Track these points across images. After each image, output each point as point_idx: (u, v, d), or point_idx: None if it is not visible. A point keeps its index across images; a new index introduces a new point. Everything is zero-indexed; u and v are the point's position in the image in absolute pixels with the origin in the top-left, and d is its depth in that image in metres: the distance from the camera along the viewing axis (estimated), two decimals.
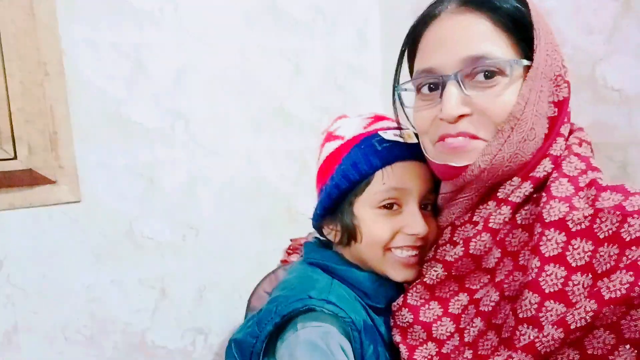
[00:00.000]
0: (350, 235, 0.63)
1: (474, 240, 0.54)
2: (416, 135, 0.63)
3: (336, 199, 0.64)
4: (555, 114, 0.54)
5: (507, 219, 0.53)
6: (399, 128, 0.64)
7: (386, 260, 0.63)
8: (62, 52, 1.14)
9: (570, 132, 0.57)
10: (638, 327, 0.42)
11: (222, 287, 1.38)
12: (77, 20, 1.16)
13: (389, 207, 0.62)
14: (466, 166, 0.54)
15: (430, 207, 0.66)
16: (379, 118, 0.68)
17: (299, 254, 1.41)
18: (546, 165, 0.54)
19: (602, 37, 0.94)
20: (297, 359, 0.54)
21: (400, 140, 0.62)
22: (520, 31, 0.53)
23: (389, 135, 0.63)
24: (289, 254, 1.44)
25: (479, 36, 0.53)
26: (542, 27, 0.53)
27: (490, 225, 0.54)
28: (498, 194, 0.55)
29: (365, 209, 0.63)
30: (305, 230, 1.54)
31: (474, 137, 0.54)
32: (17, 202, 1.11)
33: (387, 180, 0.61)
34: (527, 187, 0.53)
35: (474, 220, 0.57)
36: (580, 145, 0.56)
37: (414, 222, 0.61)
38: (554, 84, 0.54)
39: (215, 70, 1.35)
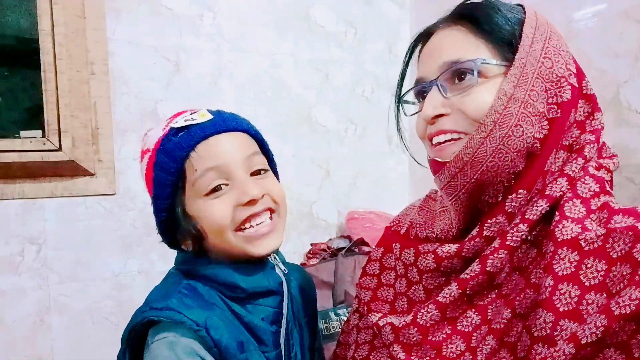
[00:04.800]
0: (197, 237, 0.61)
1: (491, 257, 0.54)
2: None
3: (165, 210, 0.61)
4: (558, 114, 0.54)
5: (524, 237, 0.53)
6: (193, 113, 0.62)
7: (240, 240, 0.60)
8: (108, 53, 1.22)
9: (604, 157, 0.57)
10: None
11: None
12: (123, 24, 1.25)
13: (217, 189, 0.59)
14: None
15: (266, 171, 0.63)
16: (176, 115, 0.64)
17: (318, 258, 1.45)
18: (562, 184, 0.54)
19: (627, 60, 0.95)
20: None
21: (194, 122, 0.59)
22: (510, 41, 0.56)
23: (181, 122, 0.59)
24: (308, 257, 1.48)
25: (456, 43, 0.57)
26: (541, 31, 0.55)
27: (508, 242, 0.53)
28: (506, 207, 0.55)
29: (196, 203, 0.59)
30: (326, 235, 1.58)
31: (454, 132, 0.57)
32: (58, 191, 1.19)
33: (198, 165, 0.58)
34: (543, 206, 0.53)
35: (484, 234, 0.56)
36: (598, 169, 0.55)
37: (244, 189, 0.58)
38: (556, 85, 0.55)
39: (247, 76, 1.41)
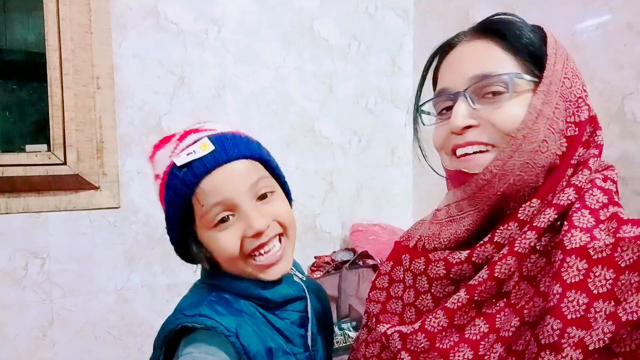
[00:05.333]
0: (211, 261, 0.64)
1: (499, 263, 0.54)
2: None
3: (179, 238, 0.64)
4: (576, 133, 0.56)
5: (532, 244, 0.54)
6: (196, 141, 0.62)
7: (250, 267, 0.62)
8: (114, 67, 1.23)
9: (602, 169, 0.59)
10: None
11: None
12: (129, 39, 1.26)
13: (225, 220, 0.60)
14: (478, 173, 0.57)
15: (273, 192, 0.64)
16: (183, 136, 0.64)
17: (322, 271, 1.44)
18: (570, 194, 0.55)
19: (632, 72, 0.95)
20: None
21: (196, 156, 0.60)
22: (535, 58, 0.57)
23: (183, 159, 0.60)
24: (312, 270, 1.47)
25: (486, 57, 0.58)
26: (560, 53, 0.57)
27: (516, 249, 0.54)
28: (519, 214, 0.56)
29: (206, 233, 0.61)
30: (329, 248, 1.57)
31: (482, 144, 0.57)
32: (62, 205, 1.19)
33: (204, 200, 0.59)
34: (551, 214, 0.54)
35: (495, 240, 0.57)
36: (604, 181, 0.57)
37: (250, 222, 0.60)
38: (575, 105, 0.57)
39: (252, 89, 1.42)
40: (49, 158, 1.16)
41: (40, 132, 1.19)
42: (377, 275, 0.73)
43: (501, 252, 0.55)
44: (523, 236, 0.54)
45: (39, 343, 1.19)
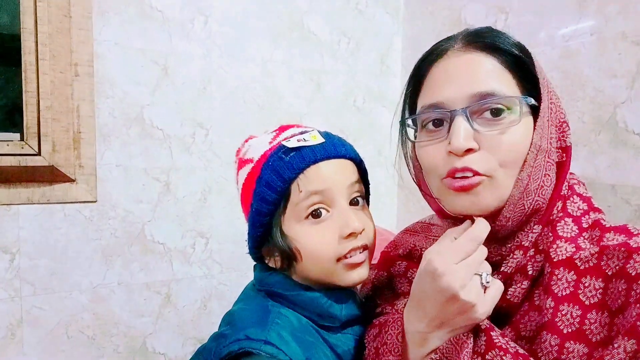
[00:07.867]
0: (290, 257, 0.60)
1: (514, 287, 0.54)
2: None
3: (262, 225, 0.61)
4: (564, 158, 0.56)
5: (520, 262, 0.54)
6: (303, 132, 0.63)
7: (340, 266, 0.60)
8: (94, 54, 1.17)
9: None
10: None
11: (227, 297, 1.38)
12: (110, 25, 1.20)
13: (316, 215, 0.59)
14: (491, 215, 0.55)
15: (363, 199, 0.64)
16: (283, 128, 0.65)
17: None
18: (559, 206, 0.56)
19: (625, 80, 0.95)
20: None
21: (306, 144, 0.60)
22: (523, 75, 0.55)
23: (293, 143, 0.60)
24: None
25: (487, 74, 0.54)
26: (544, 76, 0.56)
27: (529, 272, 0.54)
28: (524, 242, 0.55)
29: (295, 225, 0.59)
30: None
31: (477, 174, 0.54)
32: (35, 198, 1.13)
33: (304, 187, 0.58)
34: (536, 227, 0.55)
35: (502, 270, 0.55)
36: (579, 184, 0.58)
37: (346, 220, 0.59)
38: (560, 130, 0.56)
39: (238, 83, 1.38)
40: (22, 148, 1.09)
41: (8, 120, 1.12)
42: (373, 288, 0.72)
43: (514, 278, 0.55)
44: (511, 256, 0.55)
45: (7, 343, 1.12)
